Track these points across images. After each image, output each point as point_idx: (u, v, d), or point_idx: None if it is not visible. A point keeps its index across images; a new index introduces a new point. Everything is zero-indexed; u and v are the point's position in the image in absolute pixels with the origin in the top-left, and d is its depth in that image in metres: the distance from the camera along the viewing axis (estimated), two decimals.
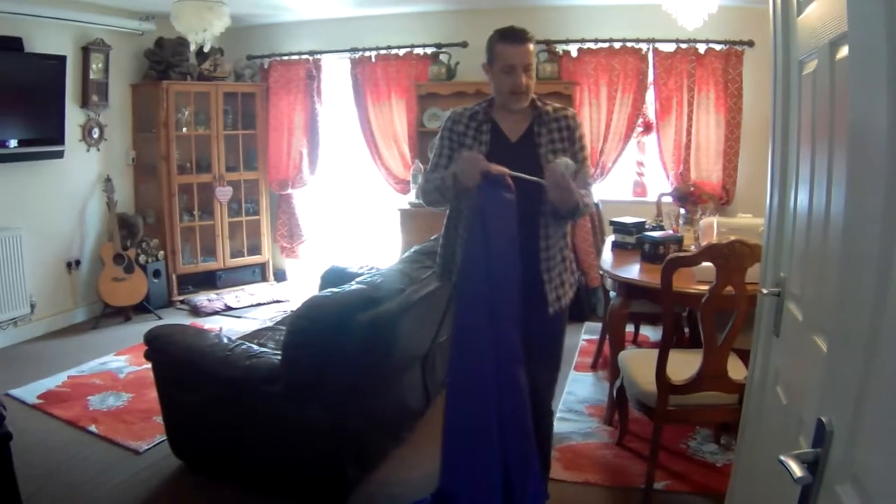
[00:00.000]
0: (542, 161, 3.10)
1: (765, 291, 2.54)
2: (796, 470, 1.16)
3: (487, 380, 2.95)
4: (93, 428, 4.37)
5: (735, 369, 3.43)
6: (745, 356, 3.09)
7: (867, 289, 1.09)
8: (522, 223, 3.00)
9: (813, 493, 1.20)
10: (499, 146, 3.15)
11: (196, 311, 7.07)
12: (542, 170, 3.03)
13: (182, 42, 6.93)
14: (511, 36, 3.03)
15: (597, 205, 5.87)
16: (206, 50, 6.23)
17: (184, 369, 3.67)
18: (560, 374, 3.44)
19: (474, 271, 2.99)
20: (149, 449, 4.10)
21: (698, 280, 3.85)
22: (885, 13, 1.06)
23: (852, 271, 1.19)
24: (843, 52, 1.58)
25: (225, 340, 3.78)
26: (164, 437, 4.00)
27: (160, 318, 6.62)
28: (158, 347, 3.75)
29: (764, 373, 2.59)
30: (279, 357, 3.44)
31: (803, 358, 2.04)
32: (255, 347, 3.72)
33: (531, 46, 3.05)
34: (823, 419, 1.19)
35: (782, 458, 1.20)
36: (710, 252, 3.30)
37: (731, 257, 3.21)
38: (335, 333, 3.28)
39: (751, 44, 6.25)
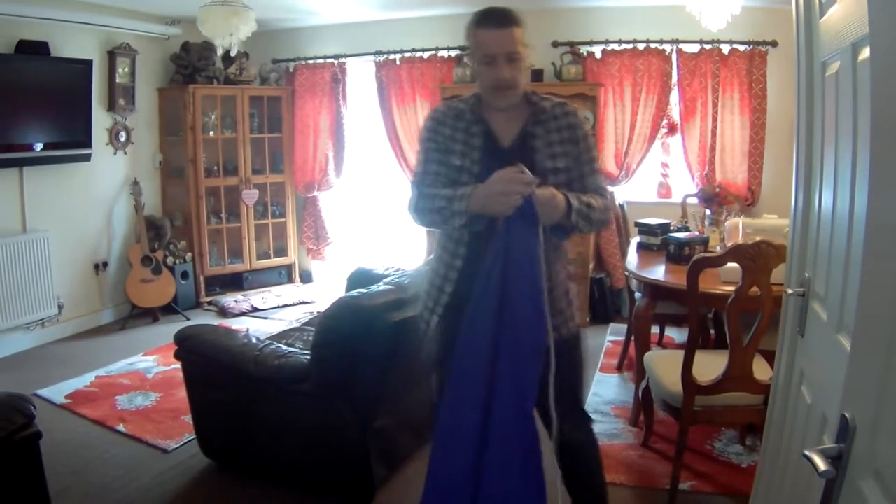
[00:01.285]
0: (537, 170, 2.58)
1: (790, 291, 2.55)
2: (820, 464, 1.18)
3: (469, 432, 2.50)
4: (121, 427, 4.44)
5: (760, 370, 3.44)
6: (770, 357, 3.09)
7: (889, 287, 1.11)
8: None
9: (836, 488, 1.22)
10: (490, 153, 2.69)
11: (223, 313, 7.15)
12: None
13: (208, 46, 7.02)
14: (489, 19, 2.54)
15: (622, 206, 5.86)
16: (232, 54, 6.27)
17: (214, 369, 3.73)
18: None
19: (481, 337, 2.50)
20: (177, 448, 4.16)
21: (724, 281, 3.85)
22: None
23: (874, 270, 1.21)
24: (865, 53, 1.59)
25: (254, 341, 3.83)
26: (193, 436, 4.05)
27: (188, 319, 6.70)
28: (189, 347, 3.80)
29: (789, 373, 2.60)
30: (308, 357, 3.49)
31: (828, 358, 2.05)
32: (284, 348, 3.77)
33: (516, 31, 2.53)
34: (847, 415, 1.21)
35: (807, 452, 1.22)
36: (735, 253, 3.30)
37: (757, 258, 3.21)
38: (364, 333, 3.31)
39: (774, 44, 6.23)
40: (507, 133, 2.71)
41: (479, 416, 2.50)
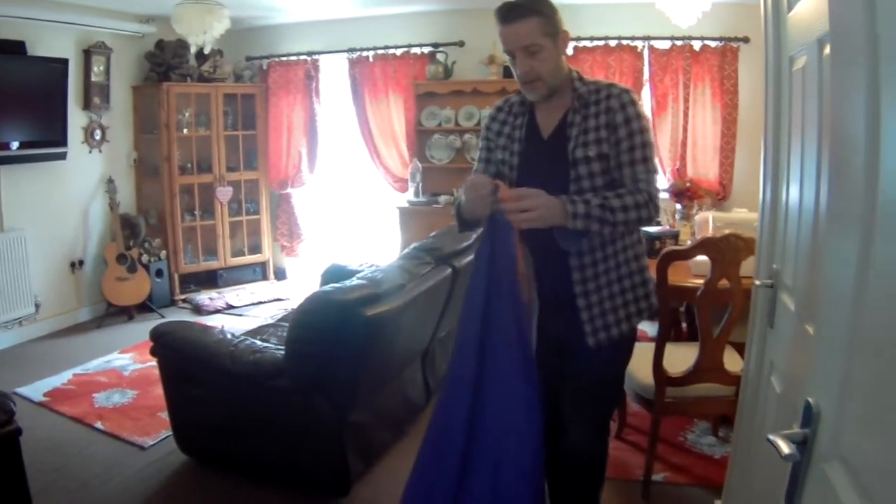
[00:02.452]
0: (570, 160, 2.54)
1: (758, 283, 2.60)
2: (784, 448, 1.21)
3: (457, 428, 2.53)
4: (99, 424, 4.43)
5: (731, 361, 3.48)
6: (741, 349, 3.13)
7: (849, 277, 1.14)
8: (550, 235, 2.45)
9: (802, 473, 1.25)
10: (532, 146, 2.67)
11: (198, 310, 7.12)
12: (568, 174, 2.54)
13: (182, 44, 6.97)
14: (499, 14, 2.48)
15: None
16: (206, 52, 6.26)
17: (190, 365, 3.73)
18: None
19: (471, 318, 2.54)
20: (154, 444, 4.16)
21: (694, 274, 3.89)
22: (863, 11, 1.11)
23: (836, 260, 1.24)
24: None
25: (229, 337, 3.83)
26: (170, 433, 4.05)
27: (163, 317, 6.67)
28: (165, 343, 3.79)
29: (759, 363, 2.65)
30: (283, 352, 3.49)
31: (796, 347, 2.10)
32: (259, 343, 3.78)
33: (532, 21, 2.43)
34: (811, 400, 1.24)
35: (771, 437, 1.24)
36: (704, 245, 3.33)
37: (726, 250, 3.24)
38: (338, 328, 3.31)
39: (746, 40, 6.28)
40: (550, 124, 2.64)
41: (467, 414, 2.51)
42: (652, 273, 2.92)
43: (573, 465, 2.85)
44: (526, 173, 2.67)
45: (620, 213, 2.40)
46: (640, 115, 2.53)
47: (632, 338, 2.75)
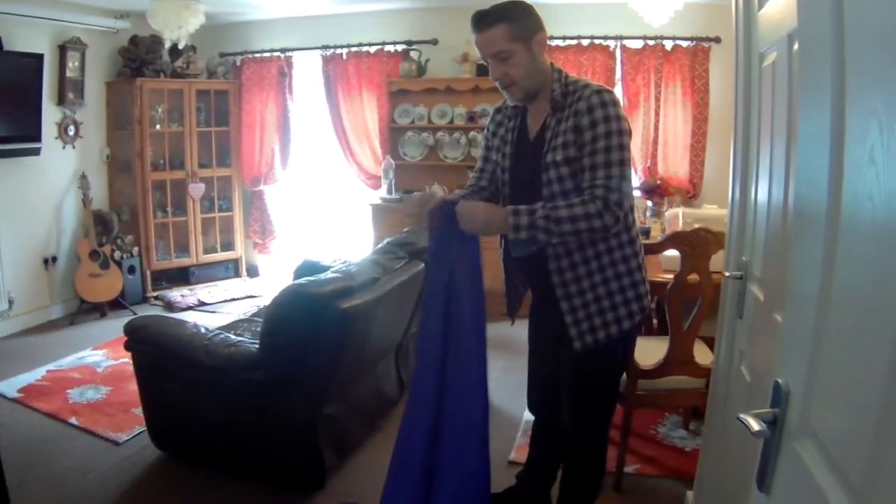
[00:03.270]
0: (543, 165, 2.58)
1: (727, 274, 2.64)
2: (754, 425, 1.24)
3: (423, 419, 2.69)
4: (73, 420, 4.41)
5: (702, 355, 3.53)
6: (711, 343, 3.18)
7: (817, 260, 1.18)
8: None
9: (773, 452, 1.28)
10: (520, 148, 2.74)
11: (170, 307, 7.08)
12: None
13: (156, 40, 6.94)
14: (472, 23, 2.54)
15: None
16: (180, 47, 6.23)
17: (164, 359, 3.71)
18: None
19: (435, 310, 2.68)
20: (129, 440, 4.14)
21: (664, 269, 3.95)
22: (831, 7, 1.14)
23: (804, 244, 1.28)
24: None
25: (203, 330, 3.82)
26: (144, 429, 4.04)
27: (135, 314, 6.58)
28: (139, 338, 3.77)
29: (729, 354, 2.69)
30: (257, 346, 3.49)
31: (765, 335, 2.14)
32: (234, 337, 3.77)
33: (501, 28, 2.48)
34: (780, 381, 1.28)
35: (741, 416, 1.27)
36: (674, 239, 3.39)
37: (696, 244, 3.29)
38: (313, 320, 3.31)
39: (717, 40, 6.36)
40: (534, 127, 2.69)
41: (433, 403, 2.65)
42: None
43: (566, 449, 2.98)
44: (513, 176, 2.77)
45: (567, 223, 2.41)
46: (607, 118, 2.46)
47: (624, 341, 2.75)
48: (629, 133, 2.52)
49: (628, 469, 3.72)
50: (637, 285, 2.68)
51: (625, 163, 2.47)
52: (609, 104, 2.48)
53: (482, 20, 2.51)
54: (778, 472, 1.28)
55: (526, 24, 2.54)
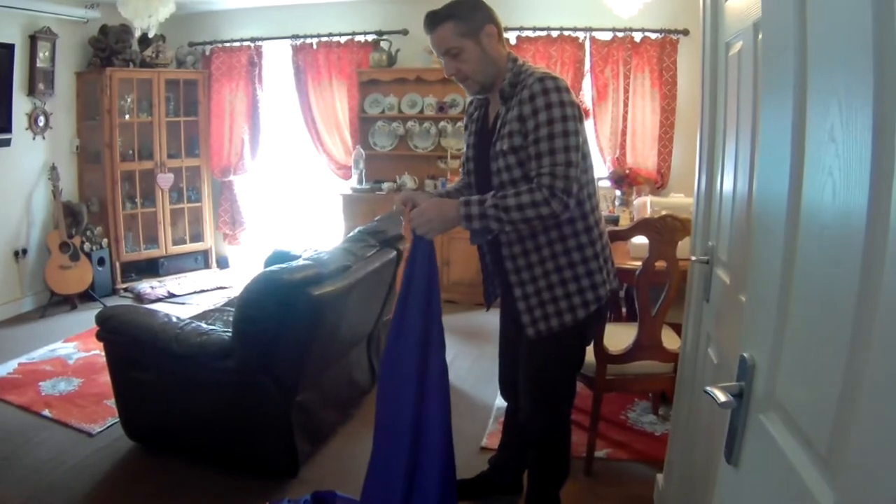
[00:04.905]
0: (492, 154, 2.66)
1: (694, 258, 2.70)
2: (720, 396, 1.29)
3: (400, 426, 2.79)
4: (46, 412, 4.39)
5: (669, 340, 3.59)
6: (678, 330, 3.24)
7: (779, 235, 1.22)
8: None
9: (740, 425, 1.32)
10: (480, 138, 2.82)
11: (140, 299, 7.03)
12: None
13: (125, 29, 6.91)
14: (424, 25, 2.63)
15: None
16: (150, 36, 6.20)
17: (136, 348, 3.69)
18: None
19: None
20: (102, 431, 4.12)
21: (633, 257, 4.01)
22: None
23: (767, 220, 1.32)
24: None
25: (174, 319, 3.81)
26: (116, 420, 4.03)
27: (105, 306, 6.58)
28: (110, 328, 3.76)
29: (696, 337, 2.75)
30: (229, 334, 3.50)
31: (731, 317, 2.20)
32: (205, 326, 3.77)
33: (447, 27, 2.57)
34: (745, 355, 1.32)
35: (708, 388, 1.32)
36: (643, 226, 3.45)
37: (664, 231, 3.35)
38: (285, 307, 3.32)
39: (686, 32, 6.42)
40: (493, 116, 2.76)
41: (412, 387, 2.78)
42: None
43: (525, 435, 3.01)
44: (476, 166, 2.86)
45: (515, 211, 2.46)
46: (549, 105, 2.46)
47: (578, 329, 2.75)
48: (577, 118, 2.51)
49: (599, 454, 3.78)
50: (592, 274, 2.69)
51: (570, 149, 2.47)
52: (551, 91, 2.48)
53: (431, 20, 2.60)
54: (745, 444, 1.33)
55: (472, 20, 2.60)
